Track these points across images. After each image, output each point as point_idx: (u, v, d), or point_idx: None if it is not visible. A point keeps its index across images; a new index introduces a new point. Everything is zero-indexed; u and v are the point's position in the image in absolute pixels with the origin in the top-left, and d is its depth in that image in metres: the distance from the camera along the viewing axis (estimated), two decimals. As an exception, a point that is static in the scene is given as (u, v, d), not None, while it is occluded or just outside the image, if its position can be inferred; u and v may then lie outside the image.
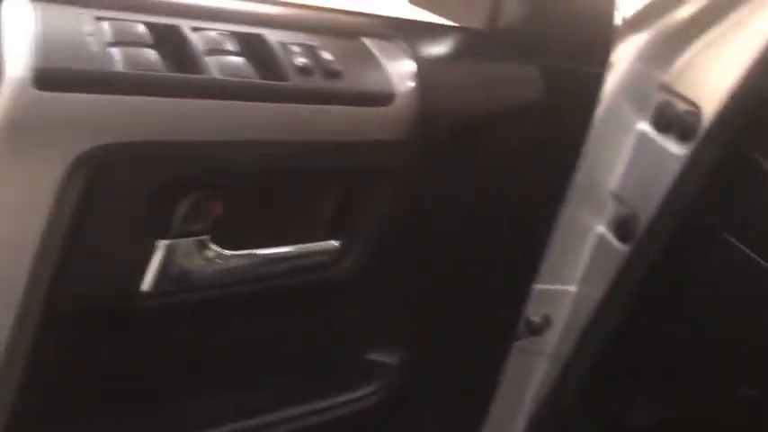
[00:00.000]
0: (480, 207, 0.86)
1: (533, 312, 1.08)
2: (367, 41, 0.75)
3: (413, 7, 0.96)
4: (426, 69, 0.75)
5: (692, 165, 0.99)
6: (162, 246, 0.67)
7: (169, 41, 0.63)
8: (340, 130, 0.70)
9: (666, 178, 1.01)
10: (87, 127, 0.59)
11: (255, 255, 0.73)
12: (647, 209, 1.03)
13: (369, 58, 0.73)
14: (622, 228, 1.08)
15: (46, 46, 0.57)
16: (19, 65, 0.55)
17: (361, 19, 0.79)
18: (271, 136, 0.67)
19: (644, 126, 1.06)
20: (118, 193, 0.63)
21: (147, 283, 0.67)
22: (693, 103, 1.00)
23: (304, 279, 0.77)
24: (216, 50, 0.65)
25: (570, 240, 1.08)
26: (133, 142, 0.61)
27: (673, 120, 1.02)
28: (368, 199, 0.77)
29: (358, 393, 0.85)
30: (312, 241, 0.77)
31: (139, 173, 0.63)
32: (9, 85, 0.55)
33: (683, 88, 1.02)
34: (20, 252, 0.60)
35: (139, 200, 0.64)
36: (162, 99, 0.61)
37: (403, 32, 0.78)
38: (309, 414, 0.82)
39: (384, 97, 0.71)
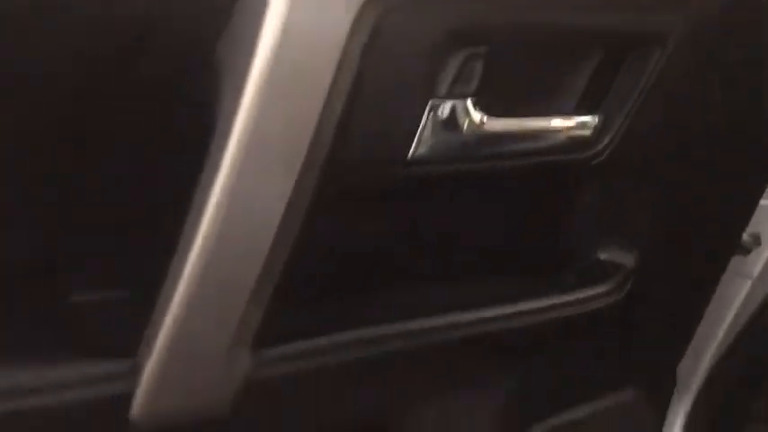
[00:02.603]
0: (752, 86, 0.74)
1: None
2: None
3: None
4: None
5: None
6: (434, 106, 0.58)
7: None
8: None
9: None
10: None
11: (520, 124, 0.64)
12: None
13: None
14: None
15: None
16: None
17: None
18: None
19: None
20: (400, 42, 0.53)
21: (417, 148, 0.58)
22: None
23: (557, 158, 0.69)
24: None
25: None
26: None
27: None
28: (644, 65, 0.66)
29: (592, 292, 0.77)
30: (570, 115, 0.68)
31: (425, 19, 0.54)
32: None
33: None
34: (305, 109, 0.50)
35: (420, 51, 0.54)
36: None
37: None
38: (547, 309, 0.75)
39: None
